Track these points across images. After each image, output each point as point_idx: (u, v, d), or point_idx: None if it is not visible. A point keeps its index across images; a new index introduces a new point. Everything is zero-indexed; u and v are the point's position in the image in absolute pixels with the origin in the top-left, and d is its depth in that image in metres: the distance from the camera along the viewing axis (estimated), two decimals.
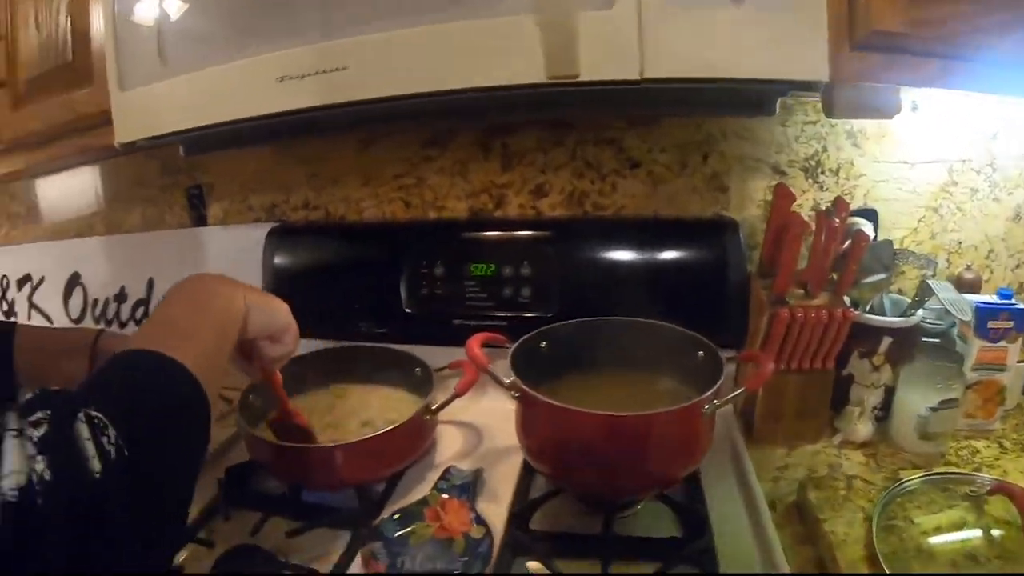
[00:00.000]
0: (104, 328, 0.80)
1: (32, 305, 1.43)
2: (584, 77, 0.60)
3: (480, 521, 0.76)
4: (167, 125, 0.76)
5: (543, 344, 0.85)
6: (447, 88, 0.65)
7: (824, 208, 0.90)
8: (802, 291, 0.83)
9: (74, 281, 1.37)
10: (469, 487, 0.82)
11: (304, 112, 0.71)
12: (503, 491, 0.83)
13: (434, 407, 0.87)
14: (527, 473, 0.84)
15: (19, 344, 0.72)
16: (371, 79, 0.67)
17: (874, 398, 0.86)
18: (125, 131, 0.79)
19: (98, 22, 0.78)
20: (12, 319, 1.46)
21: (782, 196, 0.87)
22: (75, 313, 1.38)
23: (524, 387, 0.73)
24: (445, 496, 0.81)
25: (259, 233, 1.17)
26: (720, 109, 0.88)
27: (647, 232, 0.98)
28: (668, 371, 0.83)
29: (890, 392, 0.86)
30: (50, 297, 1.40)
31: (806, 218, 0.82)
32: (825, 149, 0.95)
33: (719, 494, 0.77)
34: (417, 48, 0.65)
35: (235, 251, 1.20)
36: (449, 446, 0.95)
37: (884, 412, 0.87)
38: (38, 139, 0.98)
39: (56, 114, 0.93)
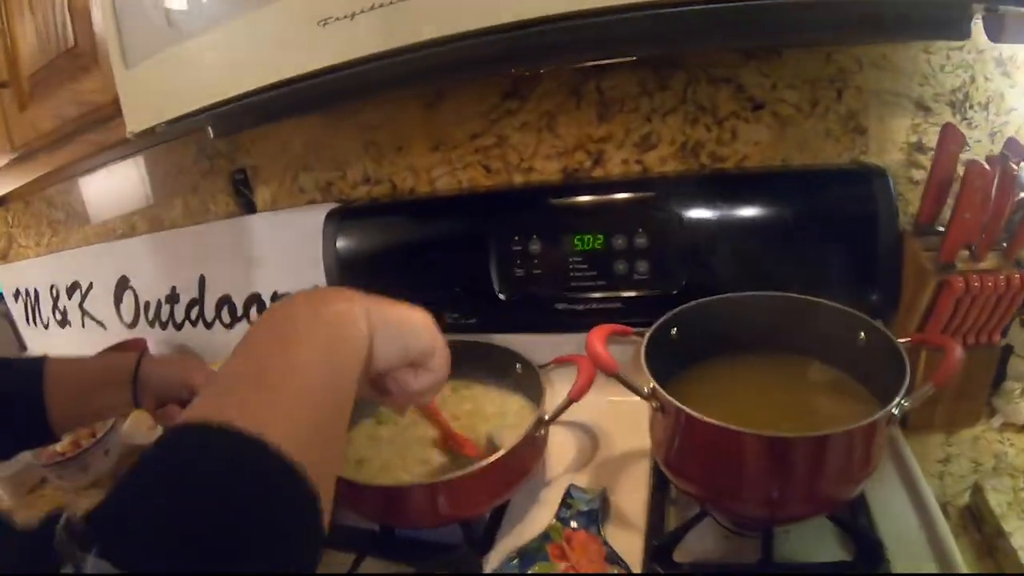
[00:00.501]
0: (145, 352, 0.70)
1: (84, 312, 1.35)
2: None
3: (614, 558, 0.64)
4: (185, 104, 0.61)
5: (673, 331, 0.71)
6: (556, 12, 0.48)
7: (979, 148, 0.76)
8: (967, 252, 0.69)
9: (123, 285, 1.27)
10: (596, 514, 0.69)
11: (357, 64, 0.54)
12: (633, 512, 0.70)
13: (547, 418, 0.72)
14: (660, 484, 0.72)
15: (50, 382, 0.65)
16: (449, 8, 0.50)
17: None
18: (136, 118, 0.64)
19: None
20: (67, 327, 1.39)
21: (950, 140, 0.70)
22: (128, 318, 1.29)
23: (670, 399, 0.59)
24: (571, 527, 0.67)
25: (316, 216, 1.03)
26: (900, 32, 0.70)
27: (778, 186, 0.81)
28: (820, 353, 0.69)
29: None
30: (101, 303, 1.31)
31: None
32: (973, 79, 0.76)
33: (883, 498, 0.65)
34: None
35: (291, 239, 1.07)
36: (560, 454, 0.82)
37: None
38: (52, 140, 0.85)
39: (67, 110, 0.79)
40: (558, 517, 0.69)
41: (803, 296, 0.69)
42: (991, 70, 0.75)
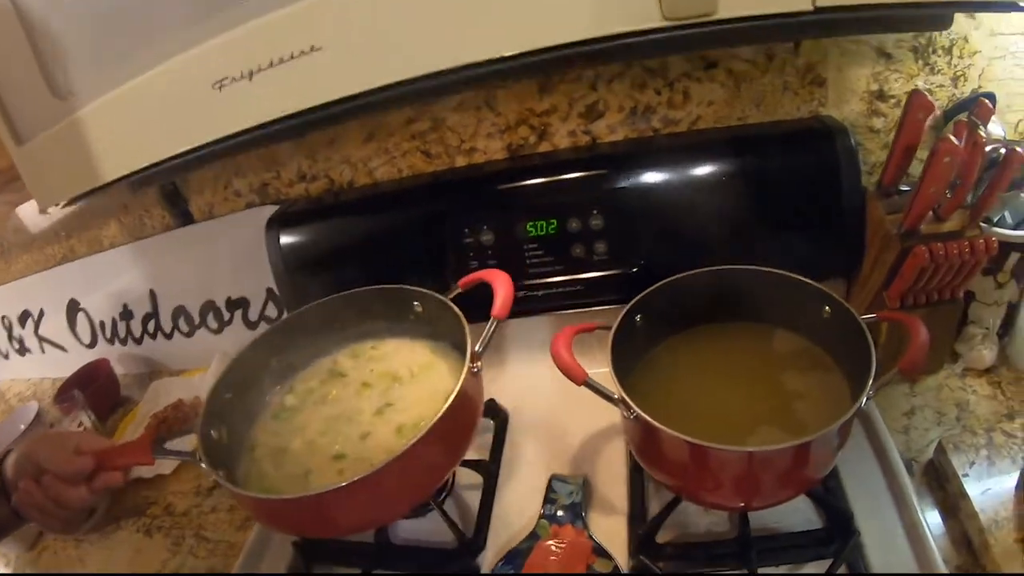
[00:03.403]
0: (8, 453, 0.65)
1: (41, 339, 1.31)
2: (723, 14, 0.39)
3: (601, 551, 0.66)
4: (91, 178, 0.56)
5: (637, 318, 0.69)
6: (495, 56, 0.45)
7: (941, 93, 0.74)
8: (930, 213, 0.66)
9: (74, 308, 1.22)
10: (580, 507, 0.70)
11: (259, 128, 0.49)
12: (614, 495, 0.72)
13: (479, 349, 0.65)
14: (637, 466, 0.72)
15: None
16: (364, 60, 0.45)
17: (996, 318, 0.73)
18: (44, 195, 0.60)
19: None
20: (27, 355, 1.35)
21: (918, 107, 0.66)
22: (86, 339, 1.25)
23: (641, 413, 0.57)
24: (558, 522, 0.69)
25: (257, 218, 0.97)
26: (882, 28, 0.66)
27: (735, 147, 0.77)
28: (786, 321, 0.69)
29: (1012, 309, 0.73)
30: (56, 328, 1.27)
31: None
32: None
33: (850, 461, 0.66)
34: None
35: (235, 244, 1.03)
36: (537, 442, 0.81)
37: (1004, 330, 0.74)
38: None
39: None
40: (544, 514, 0.71)
41: (768, 269, 0.67)
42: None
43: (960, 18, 0.70)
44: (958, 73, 0.74)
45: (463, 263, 0.84)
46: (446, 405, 0.58)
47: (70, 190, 0.57)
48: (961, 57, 0.73)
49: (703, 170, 0.76)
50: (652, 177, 0.77)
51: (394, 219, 0.88)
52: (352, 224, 0.90)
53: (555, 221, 0.80)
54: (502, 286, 0.68)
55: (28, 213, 1.17)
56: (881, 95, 0.75)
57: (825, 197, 0.73)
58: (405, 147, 0.90)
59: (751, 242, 0.75)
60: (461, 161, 0.89)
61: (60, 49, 0.51)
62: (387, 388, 0.72)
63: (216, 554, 0.80)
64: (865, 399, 0.53)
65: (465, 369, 0.62)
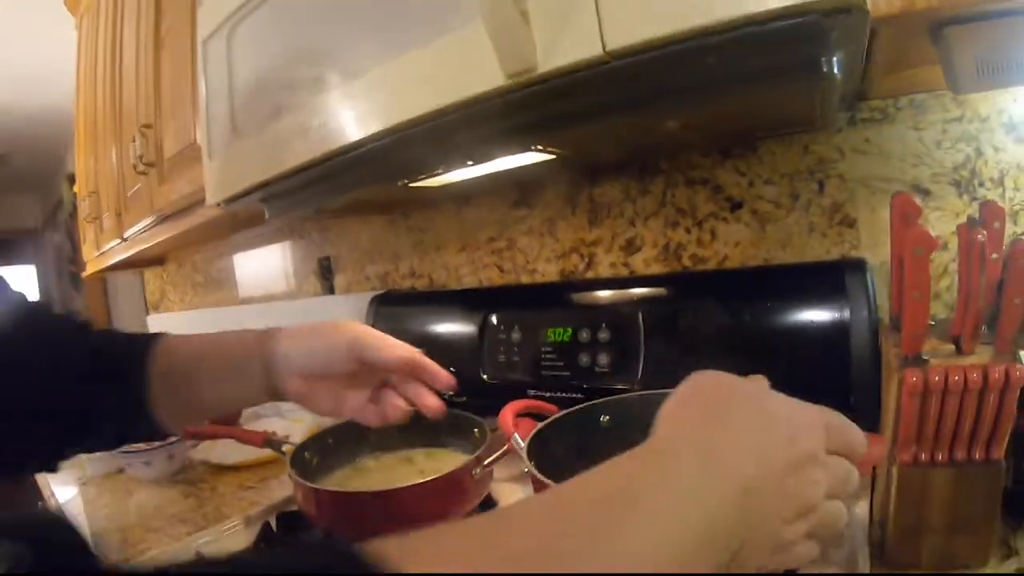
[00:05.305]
0: (270, 328, 0.58)
1: None
2: (542, 68, 0.49)
3: None
4: (238, 184, 0.82)
5: (604, 419, 0.70)
6: (408, 118, 0.59)
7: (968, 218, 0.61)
8: (952, 347, 0.56)
9: None
10: None
11: (319, 164, 0.71)
12: None
13: (486, 462, 0.76)
14: None
15: (156, 367, 0.53)
16: (341, 128, 0.66)
17: None
18: (212, 193, 0.88)
19: (203, 99, 0.87)
20: None
21: (902, 211, 0.57)
22: None
23: (538, 474, 0.57)
24: None
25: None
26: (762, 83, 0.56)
27: (749, 285, 0.79)
28: None
29: None
30: None
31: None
32: (980, 153, 0.68)
33: None
34: (372, 90, 0.63)
35: (353, 319, 1.24)
36: None
37: None
38: (175, 210, 1.14)
39: (183, 188, 1.08)
40: None
41: None
42: (1001, 138, 0.67)
43: (1006, 142, 0.67)
44: (1015, 206, 0.67)
45: (494, 356, 0.95)
46: (420, 479, 0.72)
47: (225, 193, 0.86)
48: (1017, 188, 0.68)
49: (719, 305, 0.78)
50: (669, 305, 0.83)
51: (455, 314, 1.04)
52: (428, 312, 1.08)
53: (570, 329, 0.88)
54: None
55: (239, 260, 1.56)
56: None
57: (836, 335, 0.70)
58: (486, 260, 1.08)
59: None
60: (525, 279, 1.04)
61: (238, 98, 0.82)
62: (432, 473, 0.87)
63: (211, 520, 0.90)
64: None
65: (461, 462, 0.75)
